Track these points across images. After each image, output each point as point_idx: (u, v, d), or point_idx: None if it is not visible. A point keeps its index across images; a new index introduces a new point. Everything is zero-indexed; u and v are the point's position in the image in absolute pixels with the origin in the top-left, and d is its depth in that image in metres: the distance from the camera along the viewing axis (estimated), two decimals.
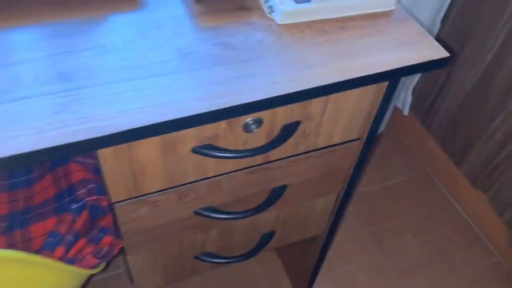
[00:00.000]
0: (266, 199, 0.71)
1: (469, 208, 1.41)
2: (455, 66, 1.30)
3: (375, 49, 0.56)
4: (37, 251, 0.58)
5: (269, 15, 0.59)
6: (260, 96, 0.49)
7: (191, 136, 0.54)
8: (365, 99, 0.62)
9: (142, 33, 0.54)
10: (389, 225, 1.37)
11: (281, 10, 0.57)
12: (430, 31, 1.23)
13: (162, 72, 0.50)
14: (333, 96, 0.59)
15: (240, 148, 0.59)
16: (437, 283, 1.27)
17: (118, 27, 0.55)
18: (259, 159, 0.63)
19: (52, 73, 0.48)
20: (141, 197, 0.59)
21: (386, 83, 0.60)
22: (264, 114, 0.56)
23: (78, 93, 0.46)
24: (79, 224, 0.59)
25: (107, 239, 0.61)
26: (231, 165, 0.62)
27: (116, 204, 0.58)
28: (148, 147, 0.53)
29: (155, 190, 0.59)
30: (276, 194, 0.71)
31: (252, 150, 0.59)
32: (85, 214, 0.62)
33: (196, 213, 0.67)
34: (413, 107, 1.51)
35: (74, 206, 0.62)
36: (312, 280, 1.12)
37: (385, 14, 0.61)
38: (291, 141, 0.63)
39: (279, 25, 0.58)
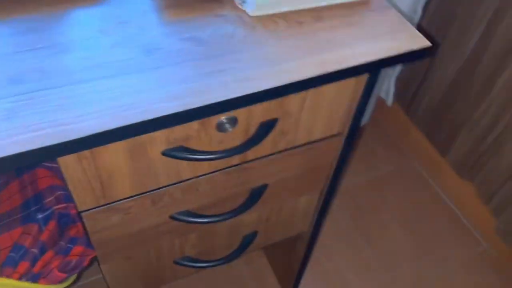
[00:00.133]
0: (246, 200, 0.68)
1: (455, 197, 1.39)
2: (437, 54, 1.28)
3: (353, 40, 0.53)
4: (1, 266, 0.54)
5: (240, 6, 0.55)
6: (233, 94, 0.46)
7: (160, 139, 0.51)
8: (345, 93, 0.59)
9: (103, 30, 0.51)
10: (376, 218, 1.36)
11: (253, 1, 0.53)
12: (411, 20, 1.20)
13: (125, 71, 0.46)
14: (311, 91, 0.55)
15: (215, 149, 0.56)
16: (426, 275, 1.26)
17: (77, 23, 0.51)
18: (236, 159, 0.60)
19: (0, 76, 0.44)
20: (111, 204, 0.56)
21: (367, 76, 0.57)
22: (238, 113, 0.53)
23: (30, 97, 0.42)
24: (45, 235, 0.56)
25: (77, 249, 0.58)
26: (206, 166, 0.59)
27: (84, 213, 0.55)
28: (114, 152, 0.49)
29: (125, 197, 0.56)
30: (256, 194, 0.68)
31: (227, 150, 0.55)
32: (52, 223, 0.58)
33: (172, 217, 0.63)
34: (396, 97, 1.49)
35: (40, 216, 0.58)
36: (298, 278, 1.10)
37: (364, 3, 0.58)
38: (269, 139, 0.59)
39: (251, 17, 0.54)
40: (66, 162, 0.47)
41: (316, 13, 0.56)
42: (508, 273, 1.26)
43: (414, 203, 1.40)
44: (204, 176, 0.60)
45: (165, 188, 0.58)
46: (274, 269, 1.20)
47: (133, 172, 0.53)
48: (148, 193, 0.57)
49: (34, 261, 0.53)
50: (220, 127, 0.53)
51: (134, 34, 0.50)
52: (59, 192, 0.63)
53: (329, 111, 0.60)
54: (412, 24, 1.19)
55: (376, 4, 0.58)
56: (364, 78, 0.58)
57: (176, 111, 0.43)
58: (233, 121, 0.53)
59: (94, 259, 0.61)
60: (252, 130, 0.57)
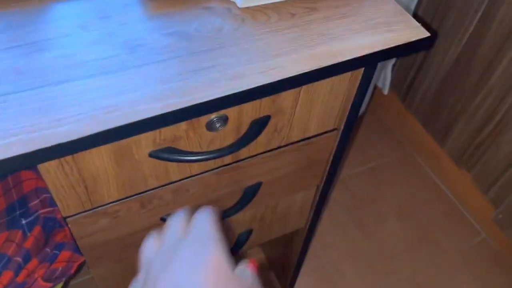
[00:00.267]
0: (240, 199, 0.66)
1: (453, 187, 1.38)
2: (437, 38, 1.25)
3: (348, 32, 0.50)
4: None
5: None
6: (221, 93, 0.43)
7: (146, 140, 0.48)
8: (340, 87, 0.56)
9: (83, 25, 0.48)
10: (372, 209, 1.34)
11: None
12: (407, 6, 1.17)
13: (106, 70, 0.43)
14: (304, 87, 0.53)
15: (205, 149, 0.53)
16: (423, 266, 1.24)
17: (56, 19, 0.48)
18: (228, 158, 0.58)
19: None
20: (98, 209, 0.53)
21: (363, 69, 0.55)
22: (229, 111, 0.50)
23: (4, 100, 0.40)
24: (29, 242, 0.53)
25: (64, 255, 0.55)
26: (197, 167, 0.56)
27: (69, 219, 0.52)
28: (97, 156, 0.46)
29: (112, 200, 0.53)
30: (249, 193, 0.66)
31: (218, 150, 0.53)
32: (37, 229, 0.56)
33: (163, 219, 0.61)
34: (393, 86, 1.46)
35: (24, 222, 0.55)
36: (296, 272, 1.09)
37: None
38: (262, 137, 0.57)
39: (240, 8, 0.51)
40: (46, 167, 0.44)
41: (310, 4, 0.53)
42: (507, 263, 1.25)
43: (411, 194, 1.39)
44: (195, 177, 0.58)
45: (154, 190, 0.56)
46: (271, 264, 1.19)
47: (119, 175, 0.50)
48: (136, 196, 0.55)
49: (17, 270, 0.51)
50: (210, 126, 0.51)
51: (116, 29, 0.47)
52: (45, 195, 0.61)
53: (324, 107, 0.58)
54: (409, 9, 1.16)
55: None
56: (360, 71, 0.55)
57: (160, 113, 0.41)
58: (224, 120, 0.51)
59: (82, 265, 0.59)
60: (244, 128, 0.54)
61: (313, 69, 0.46)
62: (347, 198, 1.36)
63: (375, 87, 1.44)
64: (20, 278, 0.51)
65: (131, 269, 0.69)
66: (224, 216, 0.64)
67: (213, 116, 0.50)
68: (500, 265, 1.25)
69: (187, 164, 0.55)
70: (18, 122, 0.39)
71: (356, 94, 0.58)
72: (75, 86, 0.42)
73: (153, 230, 0.37)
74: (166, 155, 0.50)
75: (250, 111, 0.52)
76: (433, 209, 1.36)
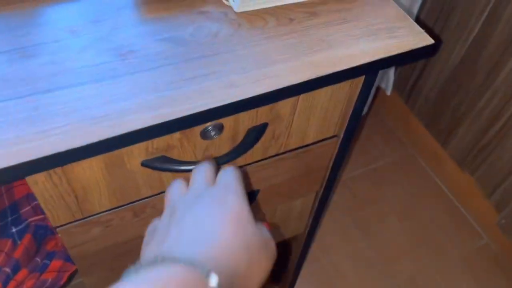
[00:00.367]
0: None
1: (456, 190, 1.36)
2: (438, 49, 1.23)
3: (349, 39, 0.48)
4: None
5: (226, 2, 0.50)
6: (215, 103, 0.41)
7: (138, 149, 0.46)
8: (340, 95, 0.54)
9: (73, 30, 0.46)
10: (373, 211, 1.32)
11: None
12: (410, 8, 1.15)
13: (96, 77, 0.42)
14: (303, 94, 0.51)
15: (200, 158, 0.52)
16: (424, 269, 1.23)
17: (46, 23, 0.46)
18: (223, 167, 0.56)
19: None
20: (89, 218, 0.52)
21: (364, 77, 0.53)
22: (224, 119, 0.49)
23: None
24: (19, 251, 0.52)
25: (55, 264, 0.54)
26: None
27: (59, 228, 0.51)
28: (87, 166, 0.45)
29: (104, 210, 0.52)
30: None
31: (213, 159, 0.51)
32: (28, 237, 0.54)
33: None
34: (396, 86, 1.44)
35: (14, 230, 0.54)
36: (295, 276, 1.07)
37: None
38: (259, 144, 0.55)
39: (237, 13, 0.50)
40: (34, 178, 0.43)
41: (309, 9, 0.51)
42: (509, 268, 1.23)
43: (413, 195, 1.37)
44: None
45: (147, 199, 0.54)
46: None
47: (111, 185, 0.49)
48: (129, 205, 0.53)
49: (6, 282, 0.49)
50: (204, 135, 0.49)
51: (107, 35, 0.46)
52: (36, 202, 0.59)
53: (323, 114, 0.56)
54: (411, 14, 1.14)
55: None
56: (361, 79, 0.53)
57: (151, 124, 0.39)
58: (219, 128, 0.49)
59: (73, 275, 0.57)
60: (240, 136, 0.52)
61: (310, 78, 0.44)
62: (348, 199, 1.34)
63: (378, 87, 1.42)
64: None
65: None
66: None
67: (208, 124, 0.48)
68: (502, 270, 1.23)
69: (181, 173, 0.53)
70: (2, 133, 0.37)
71: (356, 101, 0.56)
72: (63, 95, 0.40)
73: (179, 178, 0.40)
74: (159, 165, 0.49)
75: (247, 119, 0.50)
76: (435, 211, 1.34)
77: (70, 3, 0.49)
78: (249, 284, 0.32)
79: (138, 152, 0.47)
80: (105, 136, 0.38)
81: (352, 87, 0.54)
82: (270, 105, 0.50)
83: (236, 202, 0.35)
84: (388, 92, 1.38)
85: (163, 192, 0.54)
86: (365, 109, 1.41)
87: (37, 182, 0.43)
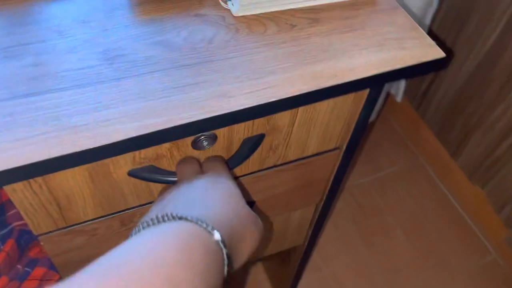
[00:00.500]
0: None
1: (465, 203, 1.32)
2: (453, 49, 1.19)
3: (353, 48, 0.45)
4: None
5: (224, 5, 0.48)
6: (204, 114, 0.38)
7: (124, 159, 0.44)
8: (343, 107, 0.51)
9: (60, 30, 0.43)
10: (378, 220, 1.29)
11: None
12: (425, 11, 1.11)
13: (80, 82, 0.39)
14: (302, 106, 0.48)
15: None
16: (428, 283, 1.19)
17: (32, 22, 0.44)
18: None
19: None
20: (73, 227, 0.49)
21: (368, 89, 0.49)
22: (218, 130, 0.46)
23: None
24: (0, 258, 0.50)
25: (38, 272, 0.52)
26: None
27: (41, 237, 0.48)
28: (70, 174, 0.42)
29: (89, 219, 0.49)
30: None
31: None
32: (10, 242, 0.52)
33: None
34: (407, 93, 1.40)
35: None
36: (294, 285, 1.04)
37: (369, 3, 0.50)
38: (255, 155, 0.52)
39: (235, 17, 0.47)
40: (12, 186, 0.40)
41: (313, 14, 0.48)
42: None
43: (420, 206, 1.33)
44: None
45: (135, 209, 0.52)
46: (269, 275, 1.15)
47: (96, 194, 0.46)
48: (116, 214, 0.51)
49: None
50: (196, 145, 0.46)
51: (96, 36, 0.43)
52: None
53: (325, 126, 0.53)
54: (424, 21, 1.10)
55: (384, 3, 0.50)
56: (365, 91, 0.50)
57: (135, 135, 0.36)
58: (212, 138, 0.46)
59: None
60: (235, 146, 0.50)
61: (310, 90, 0.41)
62: (352, 207, 1.31)
63: (388, 93, 1.38)
64: None
65: None
66: None
67: (200, 134, 0.46)
68: None
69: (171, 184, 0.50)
70: None
71: (360, 114, 0.53)
72: (42, 100, 0.38)
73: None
74: (146, 175, 0.46)
75: (242, 129, 0.48)
76: (442, 224, 1.30)
77: (61, 2, 0.46)
78: (243, 248, 0.37)
79: (125, 161, 0.44)
80: (84, 147, 0.35)
81: (356, 100, 0.51)
82: (268, 116, 0.48)
83: (227, 183, 0.41)
84: (399, 99, 1.34)
85: (152, 202, 0.52)
86: (374, 115, 1.38)
87: (16, 190, 0.41)
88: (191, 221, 0.32)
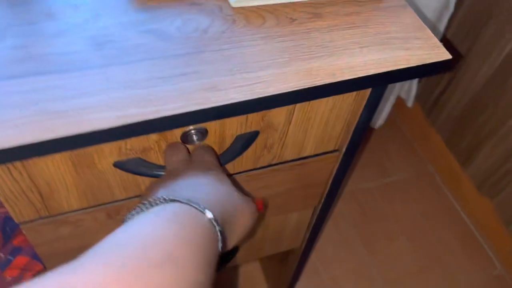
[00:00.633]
0: None
1: (472, 213, 1.28)
2: (469, 55, 1.15)
3: (355, 46, 0.43)
4: None
5: None
6: (190, 106, 0.37)
7: (110, 149, 0.42)
8: (343, 106, 0.49)
9: (50, 13, 0.42)
10: (382, 227, 1.26)
11: None
12: (441, 13, 1.07)
13: (65, 67, 0.38)
14: (300, 103, 0.46)
15: None
16: None
17: (20, 3, 0.43)
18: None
19: None
20: (56, 217, 0.48)
21: (369, 89, 0.47)
22: (208, 123, 0.44)
23: None
24: None
25: (20, 260, 0.51)
26: None
27: (23, 225, 0.47)
28: (51, 162, 0.41)
29: (74, 209, 0.48)
30: None
31: None
32: None
33: None
34: (418, 98, 1.37)
35: None
36: (291, 287, 1.02)
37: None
38: (249, 153, 0.50)
39: (233, 8, 0.45)
40: None
41: (314, 9, 0.46)
42: None
43: (426, 215, 1.30)
44: None
45: (122, 202, 0.50)
46: (267, 277, 1.13)
47: (80, 184, 0.45)
48: (101, 206, 0.49)
49: None
50: (185, 139, 0.45)
51: (86, 21, 0.42)
52: None
53: (323, 126, 0.51)
54: (442, 19, 1.06)
55: (390, 1, 0.48)
56: (367, 91, 0.48)
57: (115, 125, 0.35)
58: (202, 133, 0.45)
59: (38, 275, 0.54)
60: (228, 142, 0.48)
61: (303, 88, 0.39)
62: (355, 212, 1.28)
63: (398, 97, 1.35)
64: None
65: None
66: None
67: (191, 127, 0.44)
68: None
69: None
70: None
71: (361, 116, 0.51)
72: (23, 84, 0.36)
73: None
74: (133, 168, 0.44)
75: (235, 124, 0.46)
76: (448, 234, 1.27)
77: None
78: (236, 227, 0.38)
79: (110, 151, 0.43)
80: (63, 134, 0.34)
81: (358, 100, 0.49)
82: (262, 114, 0.46)
83: (217, 171, 0.42)
84: (409, 104, 1.31)
85: (139, 195, 0.50)
86: (382, 120, 1.34)
87: None
88: (183, 202, 0.33)
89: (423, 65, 0.42)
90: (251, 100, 0.38)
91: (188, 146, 0.46)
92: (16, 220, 0.46)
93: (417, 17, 0.46)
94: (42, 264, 0.52)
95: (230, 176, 0.53)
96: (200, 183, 0.39)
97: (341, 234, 1.23)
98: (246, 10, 0.45)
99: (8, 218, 0.53)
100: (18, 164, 0.40)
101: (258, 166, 0.54)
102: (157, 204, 0.34)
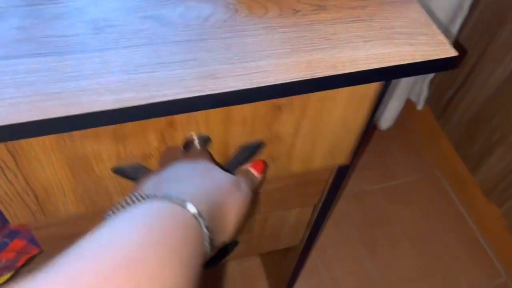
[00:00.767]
0: None
1: (479, 220, 1.26)
2: (482, 58, 1.13)
3: (358, 40, 0.42)
4: None
5: None
6: (186, 93, 0.36)
7: (108, 153, 0.42)
8: (355, 118, 0.48)
9: None
10: (385, 231, 1.24)
11: None
12: (455, 14, 1.06)
13: (63, 49, 0.38)
14: (308, 111, 0.45)
15: None
16: None
17: None
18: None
19: None
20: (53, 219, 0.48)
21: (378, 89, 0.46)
22: (212, 131, 0.43)
23: None
24: None
25: (17, 244, 0.51)
26: None
27: None
28: (47, 165, 0.40)
29: (71, 212, 0.47)
30: None
31: None
32: None
33: None
34: (429, 101, 1.35)
35: None
36: (290, 285, 1.02)
37: None
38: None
39: None
40: None
41: (319, 1, 0.45)
42: None
43: (431, 220, 1.28)
44: None
45: None
46: (267, 273, 1.12)
47: (77, 189, 0.44)
48: (99, 208, 0.49)
49: None
50: (187, 146, 0.44)
51: (87, 5, 0.41)
52: None
53: (333, 138, 0.50)
54: (456, 20, 1.05)
55: None
56: (375, 97, 0.46)
57: (110, 108, 0.34)
58: (204, 140, 0.44)
59: (33, 258, 0.54)
60: (231, 151, 0.47)
61: (303, 79, 0.38)
62: (359, 214, 1.27)
63: (408, 100, 1.33)
64: None
65: None
66: None
67: (193, 133, 0.43)
68: None
69: None
70: None
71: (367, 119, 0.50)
72: (19, 64, 0.36)
73: None
74: (132, 174, 0.44)
75: (239, 133, 0.45)
76: (453, 240, 1.25)
77: None
78: (228, 217, 0.36)
79: (108, 156, 0.42)
80: (55, 115, 0.34)
81: (363, 104, 0.47)
82: (267, 122, 0.45)
83: (204, 160, 0.41)
84: (419, 107, 1.29)
85: None
86: (389, 122, 1.33)
87: None
88: (159, 197, 0.31)
89: (427, 61, 0.41)
90: (250, 89, 0.37)
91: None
92: (11, 222, 0.46)
93: (424, 13, 0.45)
94: (39, 248, 0.52)
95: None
96: (186, 175, 0.37)
97: (343, 234, 1.22)
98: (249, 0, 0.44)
99: None
100: (12, 165, 0.39)
101: None
102: (133, 202, 0.32)
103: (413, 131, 1.44)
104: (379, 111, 1.28)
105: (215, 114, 0.42)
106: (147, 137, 0.42)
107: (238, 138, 0.45)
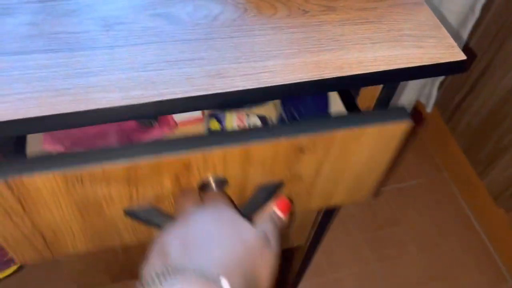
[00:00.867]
0: None
1: (486, 225, 1.25)
2: (492, 62, 1.12)
3: (366, 41, 0.42)
4: None
5: None
6: (192, 92, 0.36)
7: (119, 195, 0.39)
8: (381, 155, 0.44)
9: None
10: (392, 234, 1.24)
11: None
12: (466, 16, 1.05)
13: (73, 46, 0.38)
14: (332, 152, 0.41)
15: None
16: None
17: None
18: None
19: None
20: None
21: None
22: (229, 172, 0.40)
23: None
24: None
25: None
26: None
27: None
28: (56, 208, 0.38)
29: (79, 250, 0.45)
30: None
31: None
32: None
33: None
34: (438, 104, 1.34)
35: None
36: (295, 284, 1.02)
37: None
38: None
39: None
40: None
41: (328, 2, 0.45)
42: None
43: (438, 223, 1.27)
44: None
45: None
46: None
47: (87, 230, 0.42)
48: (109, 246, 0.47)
49: None
50: (203, 188, 0.41)
51: (97, 2, 0.42)
52: None
53: (357, 178, 0.46)
54: (467, 23, 1.04)
55: None
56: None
57: (118, 105, 0.35)
58: (222, 182, 0.41)
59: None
60: (248, 192, 0.43)
61: (310, 80, 0.38)
62: (366, 216, 1.26)
63: (417, 102, 1.32)
64: None
65: (102, 263, 0.65)
66: None
67: (209, 175, 0.40)
68: None
69: None
70: None
71: None
72: (30, 60, 0.37)
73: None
74: (146, 217, 0.41)
75: (258, 173, 0.41)
76: (460, 244, 1.24)
77: None
78: (260, 277, 0.34)
79: (119, 198, 0.39)
80: (64, 111, 0.34)
81: (397, 146, 0.44)
82: (288, 163, 0.41)
83: (225, 207, 0.37)
84: (429, 110, 1.29)
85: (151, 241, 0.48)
86: None
87: None
88: (191, 271, 0.30)
89: (435, 64, 0.41)
90: (257, 89, 0.37)
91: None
92: (17, 262, 0.45)
93: (433, 15, 0.45)
94: None
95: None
96: (213, 235, 0.34)
97: (350, 236, 1.22)
98: None
99: None
100: (18, 209, 0.37)
101: None
102: (166, 279, 0.30)
103: (422, 133, 1.43)
104: None
105: (233, 155, 0.38)
106: (161, 180, 0.38)
107: (257, 179, 0.42)
